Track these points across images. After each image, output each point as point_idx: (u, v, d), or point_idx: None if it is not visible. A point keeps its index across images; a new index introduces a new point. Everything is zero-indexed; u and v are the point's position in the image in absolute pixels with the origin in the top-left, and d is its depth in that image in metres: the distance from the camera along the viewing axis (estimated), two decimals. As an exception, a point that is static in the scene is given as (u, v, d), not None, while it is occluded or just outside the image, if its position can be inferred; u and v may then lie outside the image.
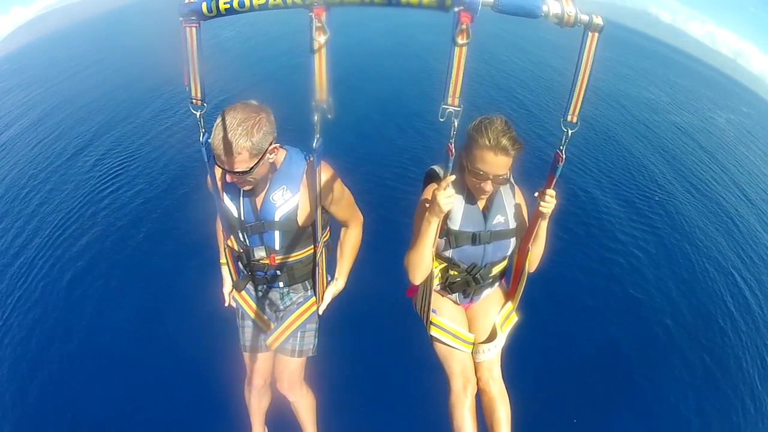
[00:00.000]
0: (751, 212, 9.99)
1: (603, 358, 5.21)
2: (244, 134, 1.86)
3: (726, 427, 4.78)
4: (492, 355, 2.43)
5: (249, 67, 14.81)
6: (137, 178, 8.01)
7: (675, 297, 6.39)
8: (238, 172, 1.94)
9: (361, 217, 2.57)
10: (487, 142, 1.98)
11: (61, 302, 5.43)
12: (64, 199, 7.49)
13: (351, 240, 2.58)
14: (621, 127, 13.12)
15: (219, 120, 1.87)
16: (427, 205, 2.05)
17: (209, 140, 1.88)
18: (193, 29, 1.46)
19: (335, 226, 2.58)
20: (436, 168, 2.38)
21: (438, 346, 2.46)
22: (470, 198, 2.26)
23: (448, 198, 1.93)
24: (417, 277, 2.21)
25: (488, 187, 2.10)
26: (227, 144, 1.85)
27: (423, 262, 2.15)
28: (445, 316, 2.46)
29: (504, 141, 1.97)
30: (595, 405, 4.70)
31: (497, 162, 2.01)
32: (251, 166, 1.94)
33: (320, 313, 2.65)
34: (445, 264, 2.39)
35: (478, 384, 2.39)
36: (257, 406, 2.97)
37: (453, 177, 1.92)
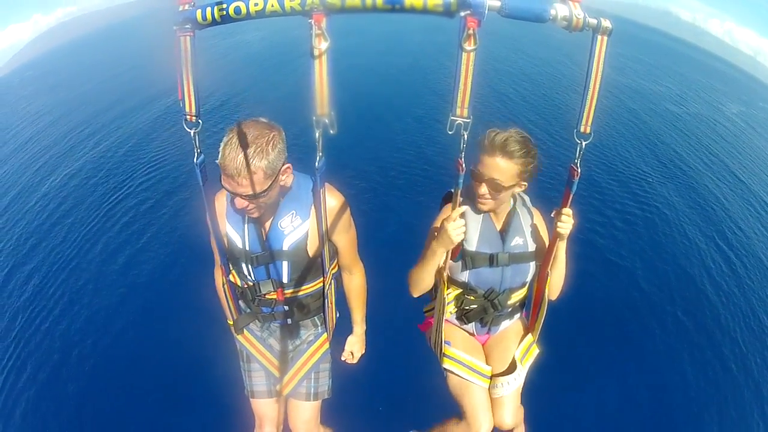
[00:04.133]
0: (748, 191, 10.22)
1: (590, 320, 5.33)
2: (260, 152, 1.69)
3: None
4: (511, 390, 2.28)
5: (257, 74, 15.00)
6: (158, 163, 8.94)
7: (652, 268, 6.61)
8: (250, 196, 1.75)
9: (362, 265, 2.40)
10: (487, 143, 1.92)
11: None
12: (91, 174, 8.78)
13: (357, 285, 2.41)
14: (621, 114, 13.19)
15: (228, 137, 1.71)
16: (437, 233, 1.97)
17: (217, 160, 1.73)
18: (188, 38, 1.36)
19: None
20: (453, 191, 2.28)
21: (452, 380, 2.31)
22: (487, 218, 2.16)
23: (457, 230, 1.84)
24: (415, 292, 2.19)
25: (482, 190, 2.00)
26: (240, 163, 1.67)
27: (423, 282, 2.12)
28: (460, 348, 2.32)
29: (503, 143, 1.90)
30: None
31: (494, 164, 1.94)
32: (265, 188, 1.76)
33: (355, 361, 2.59)
34: (461, 290, 2.26)
35: (495, 423, 2.23)
36: None
37: (465, 208, 1.88)
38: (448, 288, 2.21)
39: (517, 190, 2.07)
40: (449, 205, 2.13)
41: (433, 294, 2.41)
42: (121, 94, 13.82)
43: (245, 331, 2.43)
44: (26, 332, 5.24)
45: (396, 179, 8.09)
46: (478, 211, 2.14)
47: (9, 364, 4.88)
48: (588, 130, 1.59)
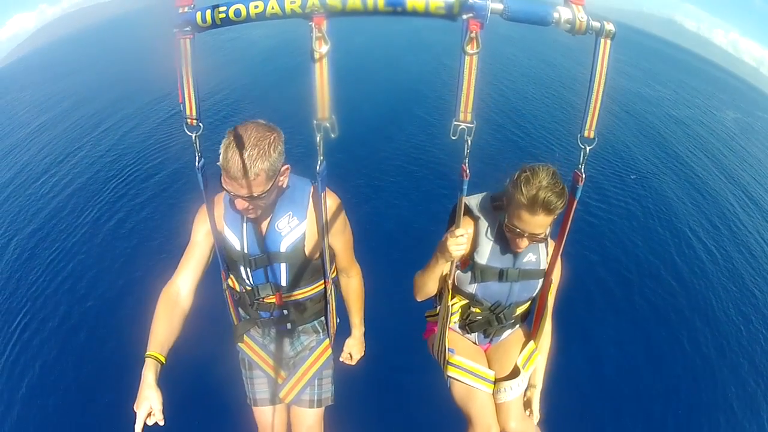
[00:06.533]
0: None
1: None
2: (262, 155, 1.67)
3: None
4: (515, 395, 2.26)
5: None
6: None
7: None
8: (252, 197, 1.73)
9: (359, 268, 2.38)
10: (524, 200, 1.84)
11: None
12: (98, 158, 9.26)
13: (355, 288, 2.41)
14: (607, 113, 13.07)
15: (230, 139, 1.68)
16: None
17: (218, 162, 1.71)
18: (187, 41, 1.34)
19: None
20: (468, 200, 2.13)
21: (456, 387, 2.28)
22: (502, 233, 2.09)
23: (458, 246, 1.81)
24: (418, 296, 2.23)
25: (523, 244, 1.97)
26: (243, 166, 1.65)
27: (426, 287, 2.15)
28: (463, 355, 2.30)
29: (546, 201, 1.81)
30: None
31: (534, 221, 1.88)
32: (266, 189, 1.74)
33: (353, 363, 2.62)
34: (467, 301, 2.24)
35: (501, 427, 2.21)
36: None
37: (466, 230, 1.86)
38: (452, 297, 2.20)
39: None
40: (466, 217, 2.09)
41: (437, 301, 2.38)
42: (124, 85, 13.92)
43: (246, 337, 2.41)
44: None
45: (396, 178, 8.18)
46: (493, 224, 2.11)
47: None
48: (592, 135, 1.53)
